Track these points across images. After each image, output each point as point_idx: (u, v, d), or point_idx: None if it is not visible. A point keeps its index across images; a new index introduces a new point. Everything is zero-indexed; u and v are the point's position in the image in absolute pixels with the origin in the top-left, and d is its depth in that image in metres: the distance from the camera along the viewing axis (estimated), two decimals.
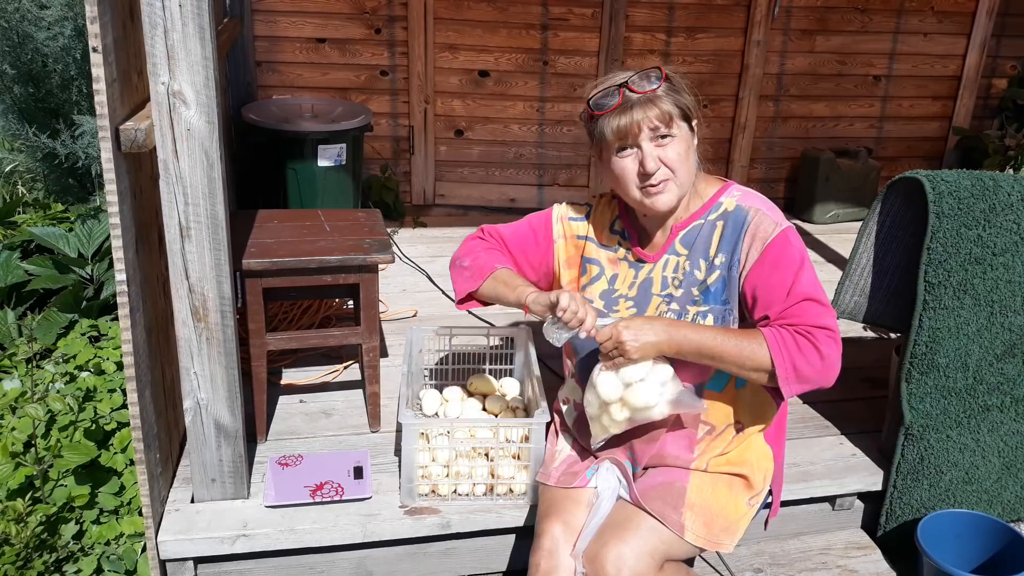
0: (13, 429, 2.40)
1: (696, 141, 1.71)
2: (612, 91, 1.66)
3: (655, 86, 1.64)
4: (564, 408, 1.99)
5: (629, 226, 1.83)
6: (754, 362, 1.62)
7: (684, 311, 1.73)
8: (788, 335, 1.63)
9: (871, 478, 2.29)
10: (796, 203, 4.39)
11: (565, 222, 1.91)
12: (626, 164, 1.67)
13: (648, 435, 1.80)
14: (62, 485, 2.30)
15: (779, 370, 1.61)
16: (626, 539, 1.66)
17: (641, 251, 1.81)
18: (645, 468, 1.84)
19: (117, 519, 2.25)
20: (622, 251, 1.83)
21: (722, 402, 1.78)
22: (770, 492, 1.92)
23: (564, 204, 1.94)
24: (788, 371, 1.61)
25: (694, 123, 1.70)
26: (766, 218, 1.69)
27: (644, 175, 1.65)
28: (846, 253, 3.81)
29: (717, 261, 1.72)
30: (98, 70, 1.58)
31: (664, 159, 1.65)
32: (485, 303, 1.90)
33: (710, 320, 1.71)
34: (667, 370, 1.68)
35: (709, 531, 1.73)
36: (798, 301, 1.64)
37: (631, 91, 1.64)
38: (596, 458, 1.87)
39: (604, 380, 1.68)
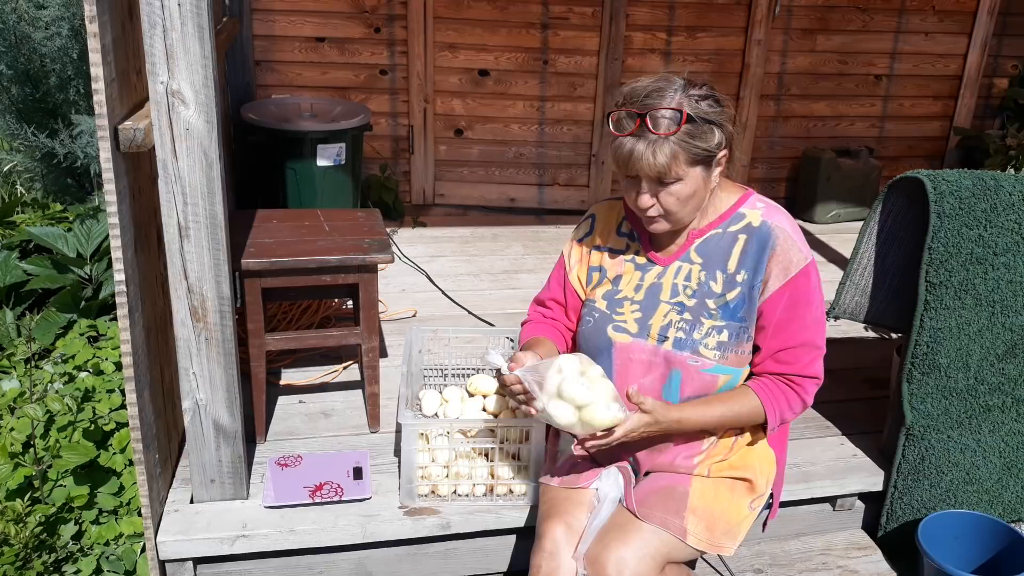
0: (12, 429, 2.40)
1: (719, 169, 1.65)
2: (632, 116, 1.56)
3: (671, 131, 1.54)
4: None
5: (638, 226, 1.80)
6: (749, 420, 1.75)
7: (698, 323, 1.71)
8: (778, 390, 1.72)
9: (872, 478, 2.28)
10: (797, 203, 4.39)
11: (574, 247, 1.90)
12: (627, 187, 1.66)
13: (653, 447, 1.80)
14: (61, 485, 2.30)
15: (770, 422, 1.73)
16: (628, 542, 1.66)
17: (654, 253, 1.78)
18: (646, 473, 1.83)
19: (116, 519, 2.24)
20: (631, 252, 1.81)
21: None
22: (771, 494, 1.91)
23: (573, 231, 1.93)
24: (776, 421, 1.74)
25: (719, 156, 1.62)
26: (793, 247, 1.67)
27: (639, 207, 1.64)
28: (847, 253, 3.81)
29: (739, 278, 1.70)
30: (97, 69, 1.57)
31: (661, 200, 1.61)
32: None
33: (725, 335, 1.69)
34: (609, 387, 1.64)
35: (711, 534, 1.72)
36: (798, 345, 1.70)
37: (647, 127, 1.55)
38: (598, 462, 1.87)
39: (557, 411, 1.62)
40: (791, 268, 1.67)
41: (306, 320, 2.84)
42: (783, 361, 1.71)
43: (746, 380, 1.76)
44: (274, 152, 3.31)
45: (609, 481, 1.80)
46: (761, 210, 1.72)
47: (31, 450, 2.36)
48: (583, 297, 1.88)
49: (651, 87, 1.59)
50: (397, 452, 2.24)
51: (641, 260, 1.79)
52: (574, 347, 1.92)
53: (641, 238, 1.80)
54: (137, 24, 1.70)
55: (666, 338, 1.72)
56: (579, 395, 1.60)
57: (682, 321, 1.72)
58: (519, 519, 2.05)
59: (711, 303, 1.71)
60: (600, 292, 1.82)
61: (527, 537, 2.03)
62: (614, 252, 1.83)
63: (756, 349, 1.75)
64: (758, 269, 1.68)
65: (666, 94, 1.57)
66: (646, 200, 1.62)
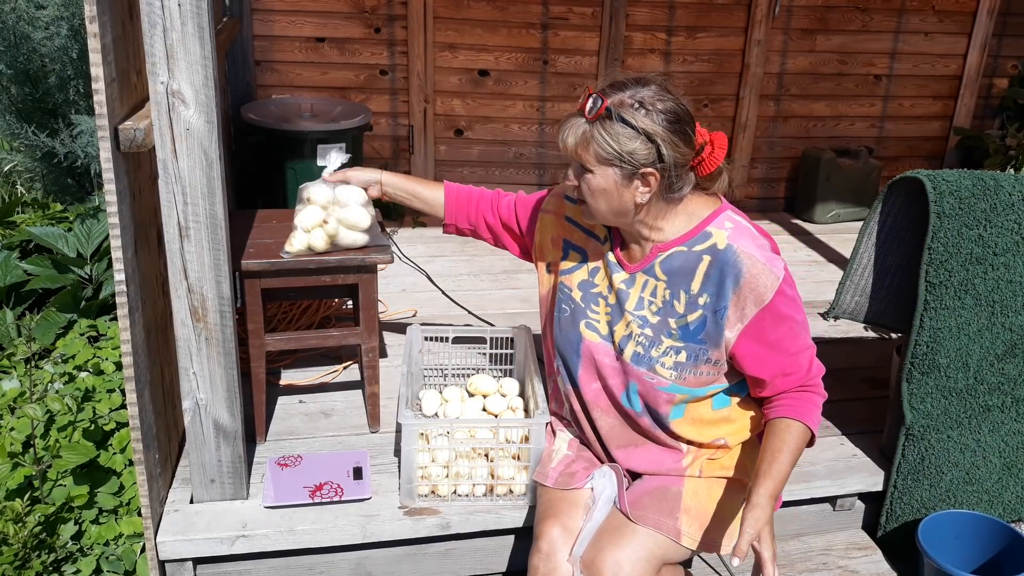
0: (12, 429, 2.40)
1: (647, 190, 1.58)
2: (585, 95, 1.57)
3: (590, 116, 1.53)
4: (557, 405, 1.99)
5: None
6: (804, 443, 1.67)
7: (658, 340, 1.70)
8: (801, 400, 1.68)
9: (872, 478, 2.28)
10: (797, 203, 4.39)
11: (559, 199, 1.91)
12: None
13: (629, 447, 1.81)
14: (61, 485, 2.30)
15: (814, 432, 1.69)
16: (623, 544, 1.65)
17: (620, 254, 1.76)
18: (637, 475, 1.84)
19: (116, 519, 2.24)
20: (607, 247, 1.79)
21: (691, 426, 1.76)
22: None
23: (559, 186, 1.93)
24: (816, 428, 1.69)
25: (643, 171, 1.55)
26: (763, 271, 1.61)
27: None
28: (847, 253, 3.81)
29: (701, 300, 1.66)
30: (97, 69, 1.57)
31: (581, 185, 1.63)
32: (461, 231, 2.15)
33: (683, 356, 1.67)
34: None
35: (706, 534, 1.72)
36: (796, 353, 1.67)
37: (583, 106, 1.55)
38: (591, 461, 1.87)
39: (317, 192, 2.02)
40: (766, 293, 1.61)
41: (306, 320, 2.84)
42: (791, 373, 1.68)
43: (764, 408, 1.73)
44: (274, 152, 3.31)
45: (604, 479, 1.80)
46: (728, 231, 1.65)
47: (31, 450, 2.36)
48: (534, 240, 1.94)
49: (624, 77, 1.59)
50: (397, 452, 2.24)
51: (612, 259, 1.77)
52: (547, 335, 1.92)
53: (614, 237, 1.79)
54: (137, 24, 1.71)
55: (623, 350, 1.72)
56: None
57: (642, 336, 1.71)
58: (519, 519, 2.05)
59: (672, 322, 1.69)
60: (576, 280, 1.81)
61: (527, 537, 2.03)
62: (598, 241, 1.81)
63: (756, 380, 1.71)
64: (721, 294, 1.64)
65: (626, 87, 1.56)
66: (569, 179, 1.64)
